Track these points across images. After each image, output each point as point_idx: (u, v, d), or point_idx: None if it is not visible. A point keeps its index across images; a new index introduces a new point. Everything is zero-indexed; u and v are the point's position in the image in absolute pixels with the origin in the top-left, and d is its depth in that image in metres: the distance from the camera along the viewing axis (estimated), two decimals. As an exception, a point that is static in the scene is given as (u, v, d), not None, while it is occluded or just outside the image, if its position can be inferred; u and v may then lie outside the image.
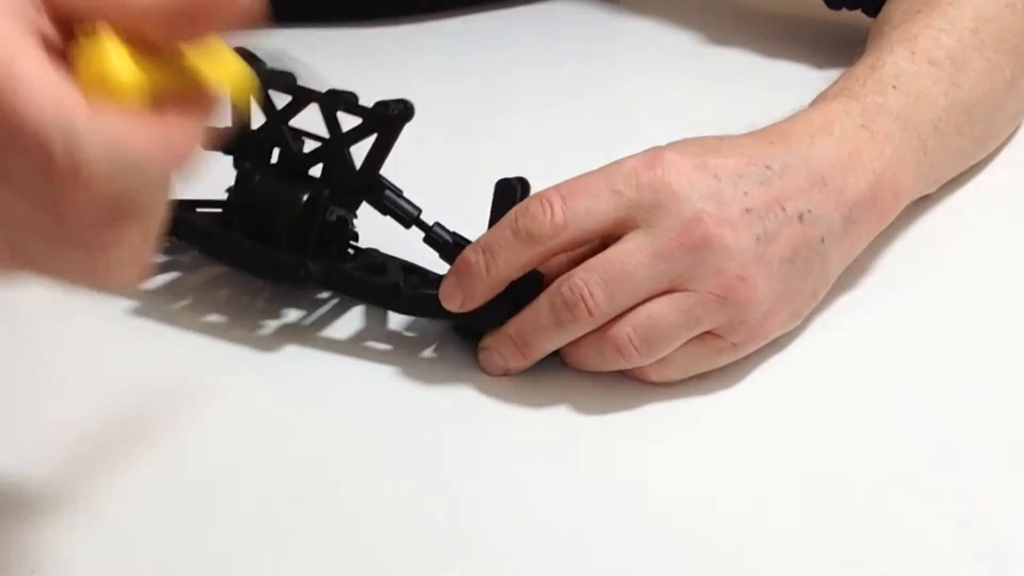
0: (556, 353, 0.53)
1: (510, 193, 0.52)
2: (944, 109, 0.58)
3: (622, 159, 0.51)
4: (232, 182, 0.55)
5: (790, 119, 0.55)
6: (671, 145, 0.52)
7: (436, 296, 0.52)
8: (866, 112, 0.56)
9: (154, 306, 0.57)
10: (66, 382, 0.54)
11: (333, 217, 0.54)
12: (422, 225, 0.54)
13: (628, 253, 0.49)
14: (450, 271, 0.52)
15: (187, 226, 0.55)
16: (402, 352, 0.55)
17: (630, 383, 0.52)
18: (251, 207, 0.54)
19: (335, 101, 0.52)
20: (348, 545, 0.46)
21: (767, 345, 0.53)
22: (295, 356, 0.54)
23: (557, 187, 0.50)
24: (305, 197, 0.53)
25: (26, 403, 0.53)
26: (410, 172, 0.54)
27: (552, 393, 0.52)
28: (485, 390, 0.53)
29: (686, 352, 0.50)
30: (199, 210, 0.57)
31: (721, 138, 0.53)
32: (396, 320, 0.56)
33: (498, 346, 0.52)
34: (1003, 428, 0.51)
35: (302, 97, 0.53)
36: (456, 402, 0.52)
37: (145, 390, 0.53)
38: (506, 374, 0.53)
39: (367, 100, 0.52)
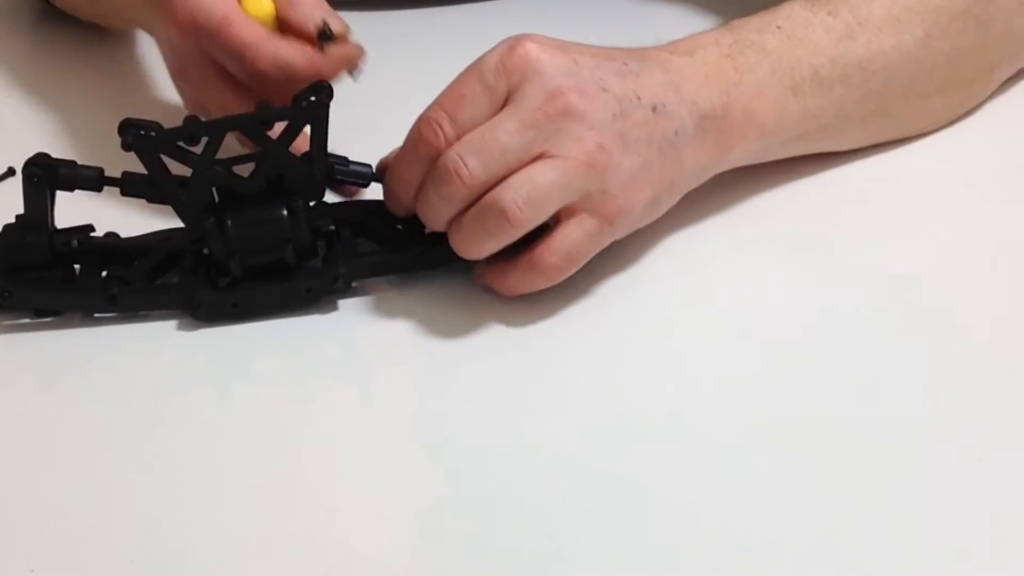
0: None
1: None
2: (830, 58, 0.60)
3: (487, 52, 0.55)
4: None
5: (662, 44, 0.59)
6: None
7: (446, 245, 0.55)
8: (737, 44, 0.59)
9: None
10: (66, 383, 0.54)
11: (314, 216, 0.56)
12: (377, 178, 0.58)
13: (498, 123, 0.54)
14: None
15: (208, 307, 0.55)
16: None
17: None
18: (246, 251, 0.55)
19: (254, 120, 0.54)
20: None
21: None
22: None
23: (440, 103, 0.55)
24: (285, 213, 0.55)
25: (27, 403, 0.53)
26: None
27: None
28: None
29: (566, 233, 0.54)
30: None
31: (583, 44, 0.57)
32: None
33: None
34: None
35: (218, 130, 0.54)
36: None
37: (148, 392, 0.53)
38: None
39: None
